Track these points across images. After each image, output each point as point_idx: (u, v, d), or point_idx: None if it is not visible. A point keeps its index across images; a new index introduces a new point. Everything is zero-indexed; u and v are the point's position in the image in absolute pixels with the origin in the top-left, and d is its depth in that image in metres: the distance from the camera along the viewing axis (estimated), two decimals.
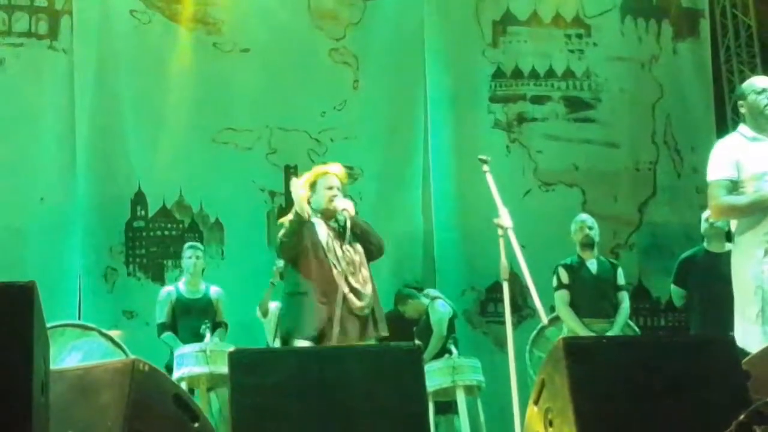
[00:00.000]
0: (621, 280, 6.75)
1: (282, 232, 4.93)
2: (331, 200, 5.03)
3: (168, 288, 7.11)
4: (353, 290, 4.84)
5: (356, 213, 5.10)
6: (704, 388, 3.26)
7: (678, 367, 3.32)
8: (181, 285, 7.00)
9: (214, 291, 6.97)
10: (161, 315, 6.86)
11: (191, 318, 6.68)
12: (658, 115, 9.22)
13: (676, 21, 9.42)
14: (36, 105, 8.09)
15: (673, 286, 6.74)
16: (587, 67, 9.20)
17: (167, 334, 6.79)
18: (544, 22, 9.21)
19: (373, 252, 5.09)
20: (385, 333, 4.97)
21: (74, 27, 8.20)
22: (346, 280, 4.84)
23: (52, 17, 8.26)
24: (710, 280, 6.43)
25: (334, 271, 4.84)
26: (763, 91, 4.35)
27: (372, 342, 4.84)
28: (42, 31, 8.23)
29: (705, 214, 6.73)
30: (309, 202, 5.05)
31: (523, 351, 6.83)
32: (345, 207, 5.01)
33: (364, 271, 4.95)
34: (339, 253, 4.89)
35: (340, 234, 5.00)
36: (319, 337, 4.76)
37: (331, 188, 5.07)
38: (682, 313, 7.24)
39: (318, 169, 5.26)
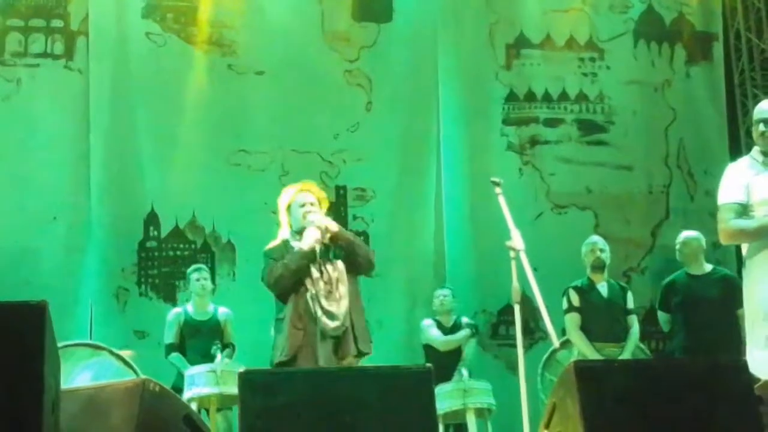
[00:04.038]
0: (631, 303, 6.71)
1: (283, 264, 4.78)
2: (304, 217, 4.90)
3: (176, 309, 7.16)
4: (326, 312, 4.70)
5: (339, 228, 4.90)
6: (716, 412, 3.24)
7: (690, 392, 3.30)
8: (190, 307, 7.05)
9: (222, 312, 7.01)
10: (169, 336, 6.90)
11: (199, 339, 6.73)
12: (671, 138, 9.21)
13: (689, 45, 9.43)
14: (51, 124, 8.16)
15: (659, 312, 6.71)
16: (600, 90, 9.21)
17: (174, 355, 6.82)
18: (557, 46, 9.23)
19: (361, 264, 4.92)
20: (367, 351, 4.82)
21: (90, 48, 8.27)
22: (319, 302, 4.71)
23: (68, 38, 8.34)
24: (692, 303, 6.44)
25: (307, 294, 4.72)
26: (759, 120, 4.34)
27: (351, 360, 4.72)
28: (58, 51, 8.31)
29: (679, 239, 6.74)
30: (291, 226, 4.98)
31: (534, 374, 6.79)
32: (320, 223, 4.83)
33: (342, 288, 4.77)
34: (315, 274, 4.74)
35: (320, 253, 4.82)
36: (291, 362, 4.66)
37: (303, 205, 4.94)
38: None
39: (288, 189, 5.12)
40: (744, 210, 4.21)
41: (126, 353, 6.68)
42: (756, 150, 4.41)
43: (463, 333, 7.15)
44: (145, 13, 8.45)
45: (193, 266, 7.31)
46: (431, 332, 7.19)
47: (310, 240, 4.80)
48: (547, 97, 9.14)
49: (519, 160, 8.95)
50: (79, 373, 6.22)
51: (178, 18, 8.54)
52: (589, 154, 9.09)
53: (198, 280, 7.02)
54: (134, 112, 8.28)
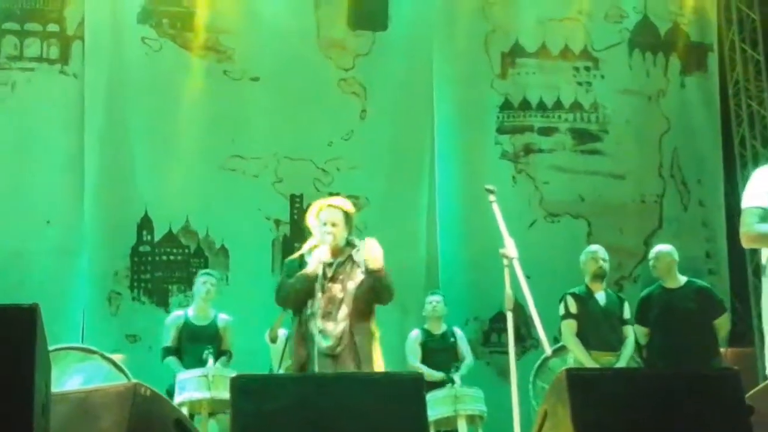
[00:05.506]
0: (627, 313, 6.70)
1: (290, 284, 4.80)
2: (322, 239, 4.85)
3: (177, 313, 7.10)
4: (321, 331, 4.68)
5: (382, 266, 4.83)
6: (707, 422, 3.24)
7: (681, 401, 3.30)
8: (191, 311, 7.00)
9: (222, 319, 6.96)
10: (167, 339, 6.87)
11: (197, 344, 6.67)
12: (665, 147, 9.24)
13: (684, 55, 9.47)
14: (46, 128, 8.16)
15: (636, 326, 6.70)
16: (595, 99, 9.24)
17: (170, 358, 6.79)
18: (552, 55, 9.26)
19: (383, 298, 4.91)
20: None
21: (85, 52, 8.29)
22: (315, 321, 4.68)
23: (63, 42, 8.34)
24: (669, 316, 6.46)
25: (307, 312, 4.74)
26: None
27: None
28: (53, 55, 8.31)
29: (651, 254, 6.76)
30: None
31: (526, 382, 6.79)
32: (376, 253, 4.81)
33: (344, 309, 4.76)
34: (318, 293, 4.70)
35: (330, 269, 4.81)
36: None
37: (325, 224, 4.88)
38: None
39: (318, 202, 5.08)
40: (767, 215, 4.18)
41: (117, 357, 6.68)
42: None
43: (440, 376, 6.87)
44: (140, 18, 8.46)
45: (203, 270, 7.29)
46: (410, 358, 7.14)
47: (314, 263, 4.78)
48: (541, 106, 9.16)
49: (513, 168, 8.98)
50: (70, 377, 6.21)
51: (174, 23, 8.55)
52: (582, 162, 9.11)
53: (204, 283, 6.96)
54: (129, 117, 8.28)
